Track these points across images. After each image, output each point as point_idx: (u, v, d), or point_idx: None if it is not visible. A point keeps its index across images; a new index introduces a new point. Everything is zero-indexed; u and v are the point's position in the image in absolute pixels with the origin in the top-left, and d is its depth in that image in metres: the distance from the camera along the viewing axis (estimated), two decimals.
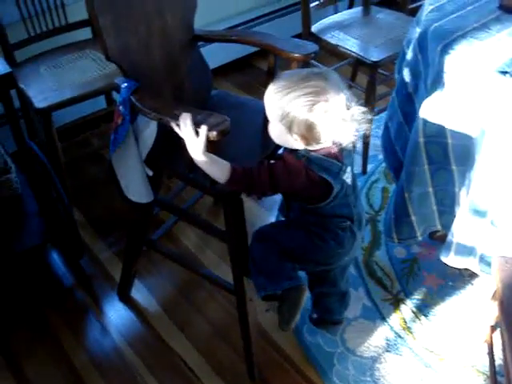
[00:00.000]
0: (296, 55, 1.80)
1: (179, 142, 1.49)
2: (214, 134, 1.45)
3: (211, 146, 1.48)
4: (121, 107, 1.61)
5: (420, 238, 2.12)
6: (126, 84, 1.60)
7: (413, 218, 2.05)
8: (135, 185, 1.73)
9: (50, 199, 2.24)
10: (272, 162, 1.55)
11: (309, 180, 1.48)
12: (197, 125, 1.46)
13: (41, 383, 1.99)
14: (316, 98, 1.41)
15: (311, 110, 1.41)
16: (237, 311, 1.88)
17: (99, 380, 1.99)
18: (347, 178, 1.57)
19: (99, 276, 2.34)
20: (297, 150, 1.50)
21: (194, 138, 1.46)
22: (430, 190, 1.99)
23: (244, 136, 1.78)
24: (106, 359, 2.05)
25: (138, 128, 1.68)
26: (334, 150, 1.50)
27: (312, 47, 1.82)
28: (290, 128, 1.45)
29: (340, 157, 1.52)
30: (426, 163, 1.93)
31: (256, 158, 1.74)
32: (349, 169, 1.57)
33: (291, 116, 1.43)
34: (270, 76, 1.91)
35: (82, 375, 2.00)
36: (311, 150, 1.48)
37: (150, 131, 1.68)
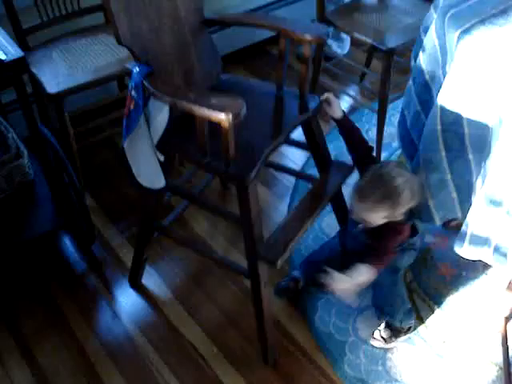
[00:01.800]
0: (307, 37, 1.78)
1: (191, 126, 1.48)
2: (229, 116, 1.46)
3: (225, 130, 1.49)
4: (133, 92, 1.59)
5: (438, 223, 2.09)
6: (137, 68, 1.59)
7: (430, 202, 2.02)
8: (147, 170, 1.72)
9: (62, 185, 2.23)
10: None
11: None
12: (212, 107, 1.47)
13: (52, 369, 2.00)
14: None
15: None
16: (251, 295, 1.87)
17: (110, 366, 1.99)
18: None
19: (111, 262, 2.34)
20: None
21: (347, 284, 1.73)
22: (449, 177, 1.96)
23: (256, 120, 1.77)
24: (117, 345, 2.05)
25: (150, 113, 1.66)
26: None
27: (324, 29, 1.80)
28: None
29: None
30: (444, 150, 1.90)
31: (264, 142, 1.73)
32: None
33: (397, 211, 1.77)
34: (281, 60, 1.89)
35: (93, 361, 2.01)
36: None
37: (161, 116, 1.66)
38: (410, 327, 2.03)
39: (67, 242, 2.42)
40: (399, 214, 1.78)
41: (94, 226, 2.35)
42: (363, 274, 1.75)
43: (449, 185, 1.97)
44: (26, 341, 2.07)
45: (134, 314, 2.15)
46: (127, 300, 2.20)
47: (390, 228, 1.81)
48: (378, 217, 1.80)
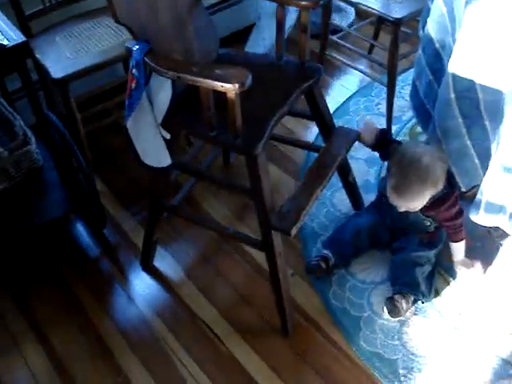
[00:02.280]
0: (303, 2, 1.77)
1: (197, 101, 1.47)
2: (236, 86, 1.45)
3: (231, 101, 1.49)
4: (134, 70, 1.58)
5: (464, 190, 2.06)
6: (137, 46, 1.57)
7: (453, 169, 1.99)
8: (152, 149, 1.71)
9: (71, 170, 2.23)
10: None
11: None
12: (217, 79, 1.46)
13: (69, 353, 2.00)
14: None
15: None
16: (268, 265, 1.87)
17: (125, 348, 2.00)
18: None
19: (123, 245, 2.34)
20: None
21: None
22: (469, 143, 1.93)
23: (258, 91, 1.75)
24: (132, 328, 2.06)
25: (152, 91, 1.65)
26: None
27: None
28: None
29: None
30: (460, 117, 1.87)
31: (269, 112, 1.72)
32: None
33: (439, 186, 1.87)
34: (279, 29, 1.86)
35: (108, 344, 2.01)
36: None
37: (164, 94, 1.65)
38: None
39: (79, 228, 2.42)
40: (441, 186, 1.87)
41: (105, 210, 2.35)
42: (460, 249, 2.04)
43: (470, 151, 1.95)
44: (42, 326, 2.08)
45: (148, 297, 2.15)
46: (141, 283, 2.20)
47: (441, 200, 1.92)
48: (424, 200, 1.88)
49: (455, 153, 1.95)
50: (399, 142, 2.09)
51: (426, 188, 1.83)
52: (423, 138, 2.36)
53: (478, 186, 1.94)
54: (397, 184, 1.84)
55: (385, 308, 1.98)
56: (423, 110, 2.19)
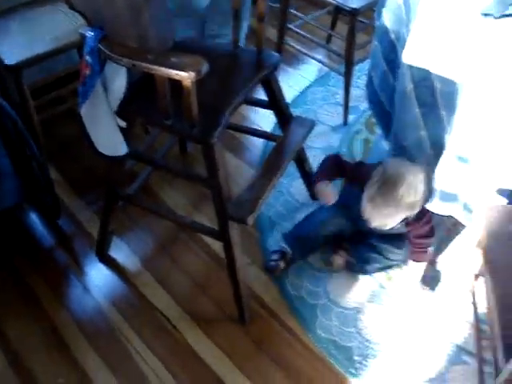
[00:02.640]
0: None
1: (153, 89, 1.45)
2: (191, 74, 1.44)
3: (187, 89, 1.48)
4: (88, 57, 1.55)
5: None
6: (91, 33, 1.54)
7: None
8: (107, 138, 1.68)
9: (24, 158, 2.18)
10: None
11: None
12: (173, 67, 1.45)
13: (24, 345, 1.97)
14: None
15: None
16: (225, 254, 1.87)
17: (81, 339, 1.97)
18: None
19: (79, 235, 2.31)
20: None
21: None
22: (424, 133, 1.96)
23: (214, 79, 1.75)
24: (87, 318, 2.03)
25: (107, 79, 1.62)
26: None
27: None
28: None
29: None
30: (417, 106, 1.88)
31: (225, 101, 1.71)
32: None
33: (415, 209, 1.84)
34: (236, 17, 1.87)
35: (64, 335, 1.99)
36: None
37: (119, 81, 1.62)
38: None
39: (33, 217, 2.38)
40: (417, 210, 1.84)
41: (60, 200, 2.31)
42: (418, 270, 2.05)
43: (425, 141, 1.97)
44: None
45: (104, 287, 2.13)
46: (97, 273, 2.18)
47: (416, 219, 1.90)
48: (396, 221, 1.87)
49: (413, 146, 1.97)
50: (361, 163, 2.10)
51: (401, 210, 1.81)
52: (379, 129, 2.37)
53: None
54: (374, 198, 1.80)
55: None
56: (377, 100, 2.21)
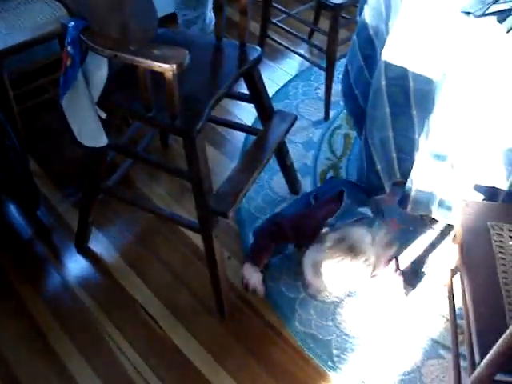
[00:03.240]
0: None
1: (135, 81, 1.45)
2: (173, 66, 1.44)
3: (169, 81, 1.47)
4: (69, 48, 1.54)
5: (388, 190, 2.11)
6: (73, 23, 1.52)
7: (378, 167, 2.03)
8: (88, 129, 1.67)
9: (3, 149, 2.16)
10: None
11: None
12: (155, 59, 1.45)
13: (1, 338, 1.95)
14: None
15: None
16: (204, 248, 1.87)
17: (60, 332, 1.96)
18: None
19: (58, 227, 2.29)
20: None
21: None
22: (390, 134, 1.97)
23: (196, 72, 1.75)
24: (66, 311, 2.02)
25: (88, 69, 1.61)
26: None
27: None
28: None
29: None
30: (388, 106, 1.90)
31: (207, 94, 1.71)
32: None
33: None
34: (219, 10, 1.88)
35: (42, 328, 1.98)
36: None
37: (101, 72, 1.61)
38: None
39: (12, 209, 2.36)
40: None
41: (39, 191, 2.30)
42: None
43: (390, 142, 1.99)
44: None
45: (83, 280, 2.12)
46: (76, 265, 2.16)
47: None
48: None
49: (378, 145, 1.99)
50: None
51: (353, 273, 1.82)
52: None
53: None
54: (319, 264, 1.81)
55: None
56: (352, 95, 2.21)
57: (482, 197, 1.84)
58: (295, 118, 2.03)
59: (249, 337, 1.95)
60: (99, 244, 2.22)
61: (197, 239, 2.15)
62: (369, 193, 2.10)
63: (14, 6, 2.37)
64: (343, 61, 2.61)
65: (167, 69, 1.45)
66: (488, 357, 1.31)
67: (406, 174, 2.00)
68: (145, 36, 1.64)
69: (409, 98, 1.87)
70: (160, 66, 1.45)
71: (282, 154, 2.17)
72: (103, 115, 1.69)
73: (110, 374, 1.87)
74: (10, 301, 2.05)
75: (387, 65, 1.82)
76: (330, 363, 1.87)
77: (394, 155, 2.02)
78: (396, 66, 1.81)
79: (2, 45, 2.17)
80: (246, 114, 2.66)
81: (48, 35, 2.26)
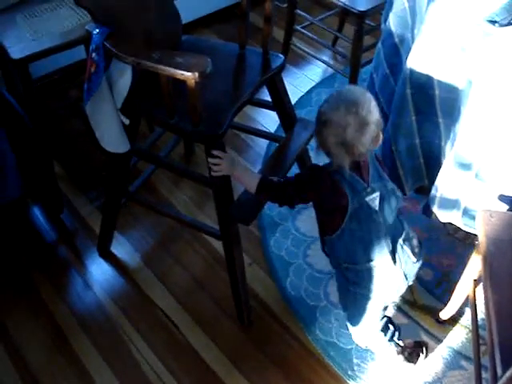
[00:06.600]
0: None
1: (157, 88, 1.46)
2: (196, 74, 1.44)
3: (191, 88, 1.48)
4: (94, 54, 1.56)
5: (408, 194, 2.09)
6: (98, 30, 1.54)
7: (400, 171, 2.02)
8: (111, 134, 1.69)
9: (28, 153, 2.19)
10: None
11: (332, 189, 1.50)
12: (178, 67, 1.46)
13: (24, 340, 1.98)
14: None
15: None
16: (225, 255, 1.87)
17: (82, 335, 1.98)
18: (371, 201, 1.53)
19: (81, 231, 2.31)
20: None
21: (220, 160, 1.61)
22: (417, 141, 1.96)
23: (219, 79, 1.76)
24: (88, 314, 2.04)
25: (112, 76, 1.63)
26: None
27: None
28: None
29: (366, 178, 1.52)
30: (413, 114, 1.89)
31: (230, 101, 1.72)
32: (376, 194, 1.53)
33: None
34: (243, 18, 1.87)
35: (64, 330, 2.00)
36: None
37: (124, 79, 1.63)
38: None
39: (37, 212, 2.39)
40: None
41: (63, 195, 2.32)
42: (248, 181, 1.61)
43: (417, 149, 1.97)
44: None
45: (105, 283, 2.14)
46: (98, 269, 2.18)
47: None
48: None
49: (403, 152, 1.97)
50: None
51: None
52: None
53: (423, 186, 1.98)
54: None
55: None
56: (377, 102, 2.20)
57: (507, 207, 1.82)
58: None
59: (268, 343, 1.95)
60: (121, 248, 2.23)
61: (218, 244, 2.16)
62: None
63: (41, 11, 2.40)
64: (367, 68, 2.62)
65: (189, 77, 1.45)
66: (511, 370, 1.29)
67: (433, 180, 1.99)
68: (168, 43, 1.66)
69: (434, 106, 1.86)
70: (182, 74, 1.46)
71: (304, 161, 2.17)
72: (126, 121, 1.71)
73: (129, 377, 1.89)
74: (33, 302, 2.07)
75: (412, 73, 1.81)
76: (350, 372, 1.86)
77: (422, 161, 2.01)
78: (421, 73, 1.80)
79: (29, 50, 2.20)
80: (270, 121, 2.66)
81: (74, 41, 2.28)
